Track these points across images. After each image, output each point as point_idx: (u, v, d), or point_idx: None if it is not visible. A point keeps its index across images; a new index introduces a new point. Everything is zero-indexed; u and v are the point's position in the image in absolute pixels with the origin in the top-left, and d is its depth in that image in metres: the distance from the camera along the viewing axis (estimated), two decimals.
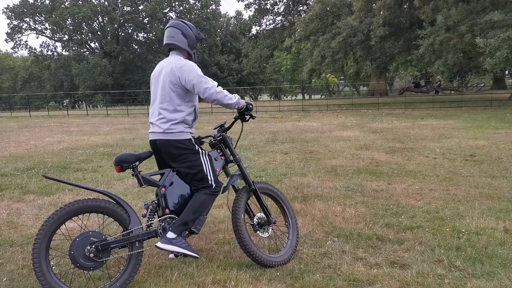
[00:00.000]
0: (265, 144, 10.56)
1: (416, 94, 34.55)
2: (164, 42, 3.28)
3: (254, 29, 41.07)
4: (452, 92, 35.84)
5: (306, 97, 56.85)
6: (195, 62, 3.29)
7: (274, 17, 39.11)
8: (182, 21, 3.29)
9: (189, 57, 3.30)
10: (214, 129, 3.64)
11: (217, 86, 3.17)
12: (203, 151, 3.29)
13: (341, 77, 54.36)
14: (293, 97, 58.79)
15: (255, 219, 3.56)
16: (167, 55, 3.34)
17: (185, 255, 3.09)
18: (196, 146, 3.27)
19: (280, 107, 27.13)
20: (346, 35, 24.60)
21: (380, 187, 5.84)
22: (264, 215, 3.59)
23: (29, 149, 10.53)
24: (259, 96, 58.86)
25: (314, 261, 3.47)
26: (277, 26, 38.16)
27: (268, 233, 3.59)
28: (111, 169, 7.67)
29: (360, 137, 11.43)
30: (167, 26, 3.28)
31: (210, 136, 3.61)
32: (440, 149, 8.95)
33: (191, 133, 3.28)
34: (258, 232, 3.57)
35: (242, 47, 42.23)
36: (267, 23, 39.30)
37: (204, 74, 3.17)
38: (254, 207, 3.66)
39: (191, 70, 3.11)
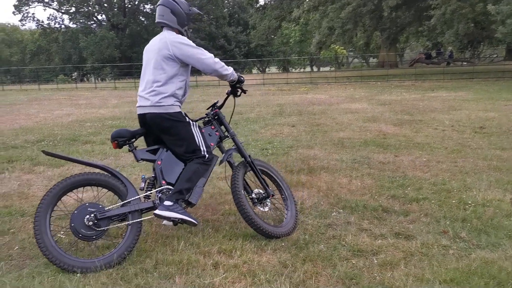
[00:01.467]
0: (272, 117, 10.53)
1: (427, 66, 33.89)
2: (156, 20, 3.33)
3: (261, 0, 40.30)
4: (464, 63, 35.11)
5: (315, 69, 56.16)
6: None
7: None
8: None
9: (180, 34, 3.32)
10: (207, 109, 3.72)
11: (214, 57, 3.25)
12: (194, 123, 3.35)
13: (350, 49, 53.43)
14: (301, 69, 58.01)
15: (253, 194, 3.60)
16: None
17: (183, 221, 3.12)
18: (187, 118, 3.32)
19: (288, 80, 26.87)
20: (356, 5, 24.03)
21: (387, 159, 5.82)
22: (261, 190, 3.64)
23: (39, 122, 10.62)
24: (267, 69, 58.12)
25: (319, 231, 3.50)
26: None
27: (267, 206, 3.64)
28: None
29: (368, 110, 11.34)
30: (157, 3, 3.31)
31: (203, 117, 3.66)
32: (450, 121, 8.86)
33: (180, 106, 3.32)
34: (257, 206, 3.61)
35: (250, 19, 41.38)
36: None
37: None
38: (251, 183, 3.69)
39: (185, 44, 3.19)
